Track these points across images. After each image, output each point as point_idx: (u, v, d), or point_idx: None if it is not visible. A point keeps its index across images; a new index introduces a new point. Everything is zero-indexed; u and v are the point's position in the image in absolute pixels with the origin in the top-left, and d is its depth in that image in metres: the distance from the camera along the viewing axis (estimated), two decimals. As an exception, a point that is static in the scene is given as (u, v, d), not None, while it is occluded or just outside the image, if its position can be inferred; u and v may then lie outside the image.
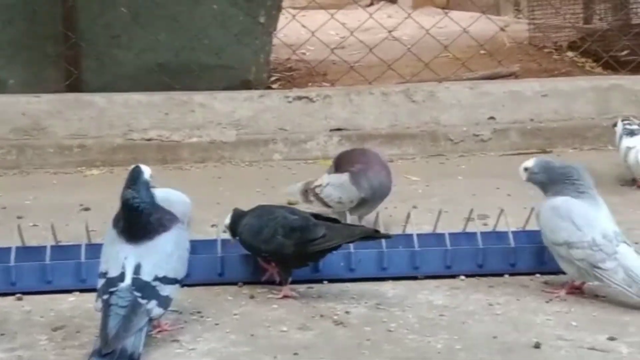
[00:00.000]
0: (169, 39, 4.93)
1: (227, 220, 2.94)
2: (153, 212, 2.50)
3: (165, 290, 2.47)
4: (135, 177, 2.54)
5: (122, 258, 2.46)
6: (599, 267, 2.71)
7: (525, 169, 2.89)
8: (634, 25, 5.90)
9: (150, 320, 2.44)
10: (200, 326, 2.63)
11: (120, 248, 2.48)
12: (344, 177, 3.34)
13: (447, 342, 2.52)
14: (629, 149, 3.98)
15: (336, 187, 3.36)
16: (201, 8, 4.95)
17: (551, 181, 2.85)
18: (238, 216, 2.92)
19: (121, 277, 2.43)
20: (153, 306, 2.43)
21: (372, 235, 2.81)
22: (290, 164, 4.62)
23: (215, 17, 4.95)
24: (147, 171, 2.57)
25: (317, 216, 2.86)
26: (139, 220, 2.49)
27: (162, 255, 2.49)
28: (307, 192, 3.45)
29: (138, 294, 2.41)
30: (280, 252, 2.77)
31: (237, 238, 2.91)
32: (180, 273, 2.53)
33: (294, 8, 6.52)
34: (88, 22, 4.94)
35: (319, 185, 3.42)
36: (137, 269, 2.45)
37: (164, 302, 2.46)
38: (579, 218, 2.77)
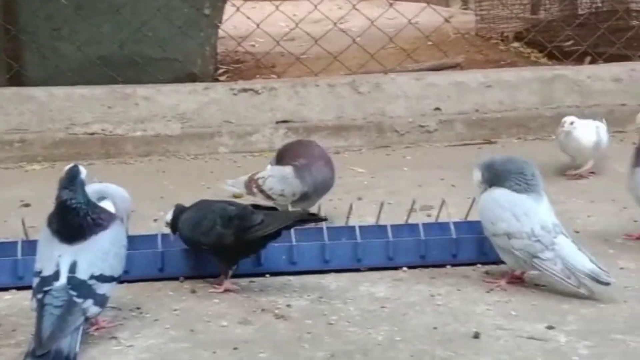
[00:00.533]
0: (112, 32, 4.87)
1: (169, 216, 2.91)
2: (89, 212, 2.47)
3: (102, 288, 2.43)
4: (72, 178, 2.48)
5: (56, 256, 2.42)
6: (537, 257, 2.73)
7: (477, 180, 2.91)
8: (578, 15, 5.96)
9: (87, 319, 2.40)
10: (140, 322, 2.60)
11: (55, 246, 2.44)
12: (288, 170, 3.33)
13: (387, 333, 2.53)
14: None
15: (279, 180, 3.35)
16: (145, 0, 4.88)
17: (496, 177, 2.86)
18: (179, 212, 2.90)
19: (55, 276, 2.39)
20: (89, 305, 2.39)
21: (308, 218, 2.81)
22: (236, 157, 4.59)
23: (159, 9, 4.89)
24: (83, 171, 2.52)
25: (256, 206, 2.85)
26: (74, 221, 2.45)
27: (98, 254, 2.45)
28: (251, 184, 3.43)
29: (74, 293, 2.38)
30: (220, 243, 2.75)
31: (177, 234, 2.89)
32: (117, 270, 2.50)
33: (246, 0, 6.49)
34: (29, 15, 4.85)
35: (262, 177, 3.40)
36: (73, 267, 2.41)
37: (101, 300, 2.43)
38: (518, 209, 2.79)
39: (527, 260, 2.77)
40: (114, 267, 2.48)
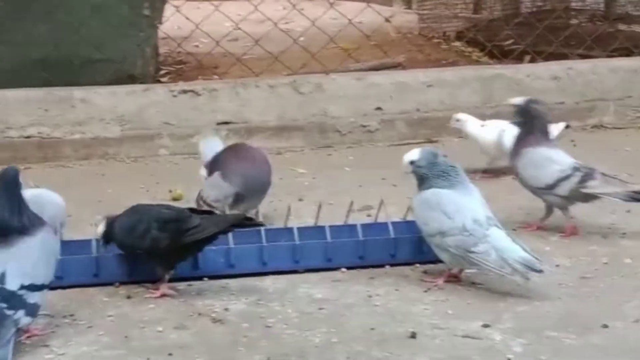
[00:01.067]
0: (49, 33, 4.77)
1: (101, 228, 2.86)
2: (19, 216, 2.42)
3: (33, 297, 2.38)
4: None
5: None
6: (472, 252, 2.75)
7: (411, 162, 2.89)
8: (516, 14, 6.02)
9: (19, 330, 2.35)
10: (72, 329, 2.56)
11: None
12: (215, 176, 3.34)
13: (325, 335, 2.52)
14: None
15: (210, 187, 3.34)
16: (81, 0, 4.80)
17: (432, 175, 2.87)
18: (111, 222, 2.85)
19: None
20: (21, 316, 2.35)
21: (244, 222, 2.79)
22: (176, 159, 4.55)
23: (96, 9, 4.81)
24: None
25: (192, 210, 2.83)
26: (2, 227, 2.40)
27: (27, 262, 2.40)
28: (198, 198, 3.42)
29: (4, 305, 2.33)
30: (156, 247, 2.72)
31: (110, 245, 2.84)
32: (47, 278, 2.45)
33: (190, 0, 6.42)
34: (-37, 16, 4.75)
35: (202, 190, 3.41)
36: (2, 278, 2.36)
37: (32, 310, 2.38)
38: (449, 207, 2.81)
39: (462, 256, 2.78)
40: (44, 275, 2.43)
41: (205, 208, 3.31)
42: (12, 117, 4.51)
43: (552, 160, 3.33)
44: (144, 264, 2.83)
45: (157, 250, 2.74)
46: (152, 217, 2.74)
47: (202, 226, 2.72)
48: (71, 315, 2.64)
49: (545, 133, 3.41)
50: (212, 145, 3.60)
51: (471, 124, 4.24)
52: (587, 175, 3.29)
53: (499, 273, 2.74)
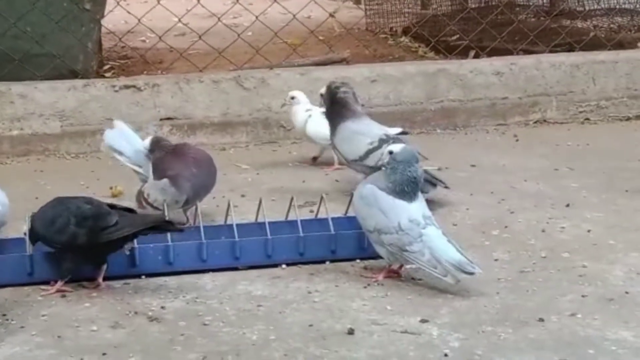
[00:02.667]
0: (-13, 26, 4.68)
1: (26, 226, 2.81)
2: None
3: None
4: None
5: None
6: (406, 250, 2.75)
7: (390, 152, 2.86)
8: (463, 10, 6.04)
9: None
10: (4, 329, 2.50)
11: None
12: (164, 182, 3.28)
13: (262, 332, 2.50)
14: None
15: (159, 191, 3.29)
16: (21, -7, 4.72)
17: (392, 174, 2.84)
18: (34, 216, 2.80)
19: None
20: None
21: (163, 225, 2.76)
22: (118, 155, 4.48)
23: (36, 3, 4.72)
24: None
25: (112, 206, 2.79)
26: None
27: None
28: (140, 197, 3.36)
29: None
30: (73, 242, 2.68)
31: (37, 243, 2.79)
32: None
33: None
34: None
35: (146, 191, 3.34)
36: None
37: None
38: (385, 204, 2.80)
39: (398, 254, 2.78)
40: None
41: (149, 208, 3.27)
42: (-53, 112, 4.42)
43: (361, 133, 3.58)
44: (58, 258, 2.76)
45: (74, 246, 2.69)
46: (72, 212, 2.70)
47: (120, 225, 2.69)
48: (3, 315, 2.59)
49: (352, 110, 3.66)
50: (122, 134, 3.56)
51: (299, 106, 4.23)
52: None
53: (430, 272, 2.75)
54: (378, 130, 3.65)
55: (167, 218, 2.86)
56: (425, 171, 3.18)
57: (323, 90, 3.80)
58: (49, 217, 2.73)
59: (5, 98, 4.49)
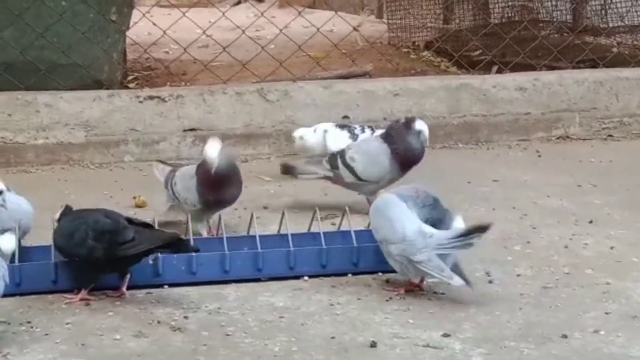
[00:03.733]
0: (15, 36, 4.73)
1: (58, 215, 2.85)
2: None
3: None
4: None
5: None
6: (413, 260, 2.74)
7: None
8: (486, 25, 6.05)
9: None
10: (29, 337, 2.52)
11: None
12: (192, 182, 3.28)
13: (284, 344, 2.50)
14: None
15: (183, 188, 3.31)
16: (48, 4, 4.76)
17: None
18: (64, 214, 2.84)
19: None
20: None
21: (178, 243, 2.76)
22: (142, 165, 4.51)
23: (63, 14, 4.77)
24: None
25: (130, 220, 2.79)
26: None
27: None
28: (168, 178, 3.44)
29: None
30: (91, 256, 2.70)
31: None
32: None
33: (161, 6, 6.39)
34: None
35: (174, 179, 3.39)
36: None
37: None
38: (395, 215, 2.80)
39: (407, 265, 2.77)
40: None
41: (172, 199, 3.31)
42: (-25, 121, 4.47)
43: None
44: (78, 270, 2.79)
45: (92, 260, 2.71)
46: (90, 226, 2.72)
47: (136, 241, 2.71)
48: (28, 322, 2.61)
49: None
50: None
51: (309, 136, 4.22)
52: None
53: (438, 277, 2.74)
54: None
55: (183, 236, 2.84)
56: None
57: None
58: (68, 230, 2.76)
59: (32, 107, 4.53)
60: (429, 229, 2.77)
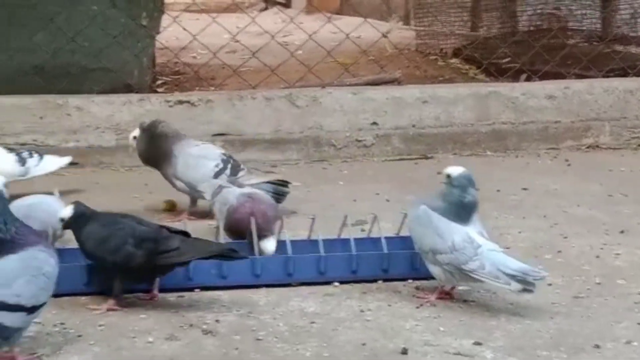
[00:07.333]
0: (46, 40, 4.78)
1: (68, 213, 2.80)
2: (3, 227, 2.28)
3: (1, 317, 2.25)
4: None
5: None
6: (463, 269, 2.74)
7: (448, 176, 2.85)
8: (514, 33, 6.04)
9: None
10: (62, 338, 2.54)
11: None
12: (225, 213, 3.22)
13: (315, 349, 2.51)
14: None
15: (223, 202, 3.29)
16: (80, 9, 4.81)
17: (448, 197, 2.83)
18: (81, 214, 2.80)
19: None
20: None
21: (227, 254, 2.76)
22: (171, 169, 4.53)
23: (94, 18, 4.82)
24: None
25: (167, 229, 2.78)
26: None
27: (1, 278, 2.26)
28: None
29: None
30: (128, 263, 2.67)
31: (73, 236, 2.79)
32: (28, 300, 2.29)
33: (189, 11, 6.44)
34: (-40, 21, 4.75)
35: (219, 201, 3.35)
36: None
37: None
38: (439, 225, 2.80)
39: (455, 274, 2.77)
40: (24, 295, 2.28)
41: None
42: (7, 124, 4.51)
43: (205, 157, 3.67)
44: (106, 276, 2.78)
45: (127, 266, 2.69)
46: (129, 233, 2.69)
47: (182, 250, 2.70)
48: (62, 323, 2.63)
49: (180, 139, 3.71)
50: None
51: None
52: (235, 167, 3.70)
53: (495, 285, 2.73)
54: (216, 150, 3.76)
55: (233, 248, 2.82)
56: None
57: (136, 132, 3.78)
58: (101, 234, 2.73)
59: (63, 111, 4.58)
60: (477, 236, 2.77)
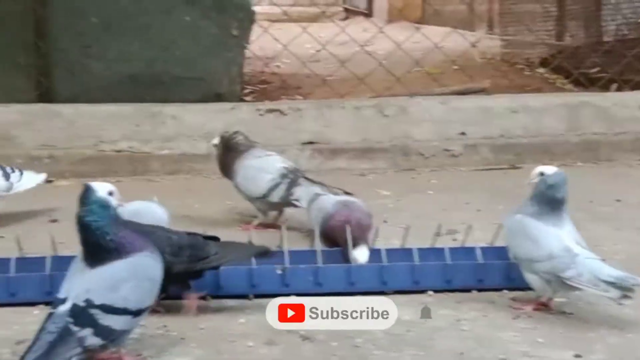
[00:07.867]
0: (141, 50, 4.91)
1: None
2: (109, 233, 2.34)
3: (108, 319, 2.29)
4: (85, 196, 2.36)
5: (73, 279, 2.33)
6: (562, 277, 2.72)
7: (541, 174, 2.84)
8: (603, 42, 5.96)
9: (87, 349, 2.28)
10: (165, 340, 2.60)
11: (78, 269, 2.36)
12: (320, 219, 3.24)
13: (413, 357, 2.52)
14: None
15: (319, 210, 3.32)
16: (173, 19, 4.93)
17: (541, 196, 2.82)
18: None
19: (63, 299, 2.30)
20: (87, 334, 2.26)
21: (264, 254, 2.82)
22: (261, 177, 4.59)
23: (187, 28, 4.94)
24: (103, 188, 2.39)
25: (191, 234, 2.80)
26: (91, 240, 2.33)
27: (109, 282, 2.32)
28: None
29: (70, 320, 2.26)
30: (167, 271, 2.60)
31: None
32: (134, 304, 2.35)
33: (270, 21, 6.54)
34: (59, 32, 4.91)
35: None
36: (81, 294, 2.29)
37: (103, 332, 2.29)
38: (535, 232, 2.78)
39: (554, 282, 2.75)
40: (130, 299, 2.34)
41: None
42: (104, 132, 4.65)
43: (264, 170, 3.63)
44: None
45: (166, 274, 2.62)
46: (165, 242, 2.67)
47: (220, 255, 2.75)
48: (164, 326, 2.70)
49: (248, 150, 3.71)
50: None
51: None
52: (293, 182, 3.60)
53: (592, 291, 2.70)
54: (279, 164, 3.67)
55: (271, 249, 2.89)
56: None
57: (216, 140, 3.81)
58: None
59: (158, 119, 4.69)
60: (574, 244, 2.75)
